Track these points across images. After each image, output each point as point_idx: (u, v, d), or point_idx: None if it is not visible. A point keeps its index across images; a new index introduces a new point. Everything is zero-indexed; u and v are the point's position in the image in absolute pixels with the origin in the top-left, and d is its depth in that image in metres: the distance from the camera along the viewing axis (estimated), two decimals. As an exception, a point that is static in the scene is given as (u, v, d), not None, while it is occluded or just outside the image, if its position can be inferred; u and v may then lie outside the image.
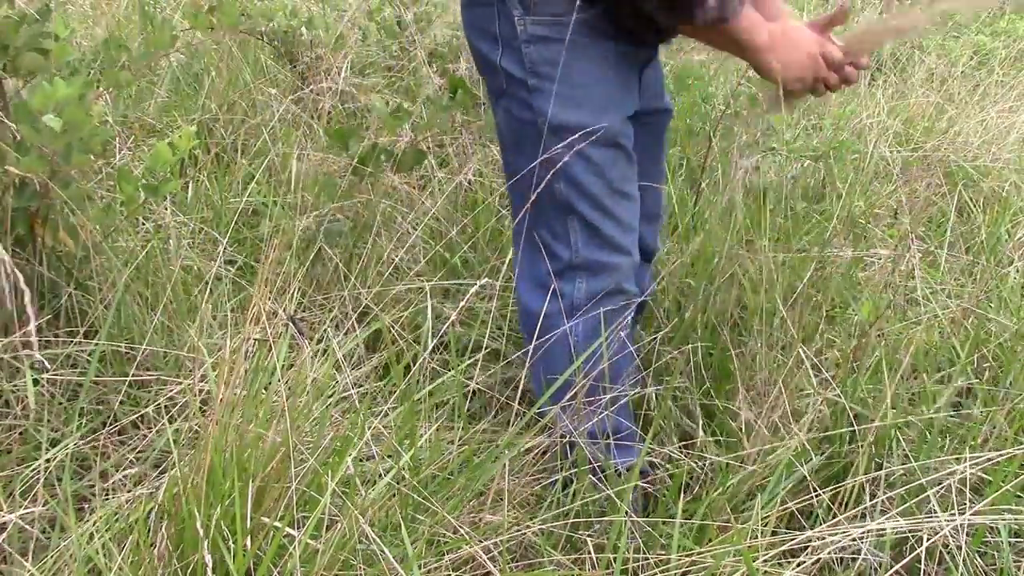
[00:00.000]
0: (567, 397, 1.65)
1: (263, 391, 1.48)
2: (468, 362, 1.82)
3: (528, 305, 1.76)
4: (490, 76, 1.72)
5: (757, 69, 1.70)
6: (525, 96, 1.65)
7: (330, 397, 1.62)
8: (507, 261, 2.06)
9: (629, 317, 1.78)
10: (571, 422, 1.66)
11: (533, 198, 1.67)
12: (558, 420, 1.67)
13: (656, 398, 1.94)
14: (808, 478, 1.68)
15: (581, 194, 1.69)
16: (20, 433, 1.64)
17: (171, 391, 1.66)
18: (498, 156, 2.72)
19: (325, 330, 1.74)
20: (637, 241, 1.79)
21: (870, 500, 1.63)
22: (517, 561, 1.65)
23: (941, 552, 1.65)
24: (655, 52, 1.81)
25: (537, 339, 1.70)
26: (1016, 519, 1.58)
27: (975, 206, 3.02)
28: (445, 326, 1.76)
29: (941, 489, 1.63)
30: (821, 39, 1.70)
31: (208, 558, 1.24)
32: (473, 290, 1.69)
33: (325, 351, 1.64)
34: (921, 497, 1.63)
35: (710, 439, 1.87)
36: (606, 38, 1.64)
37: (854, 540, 1.55)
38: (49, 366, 1.59)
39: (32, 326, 1.24)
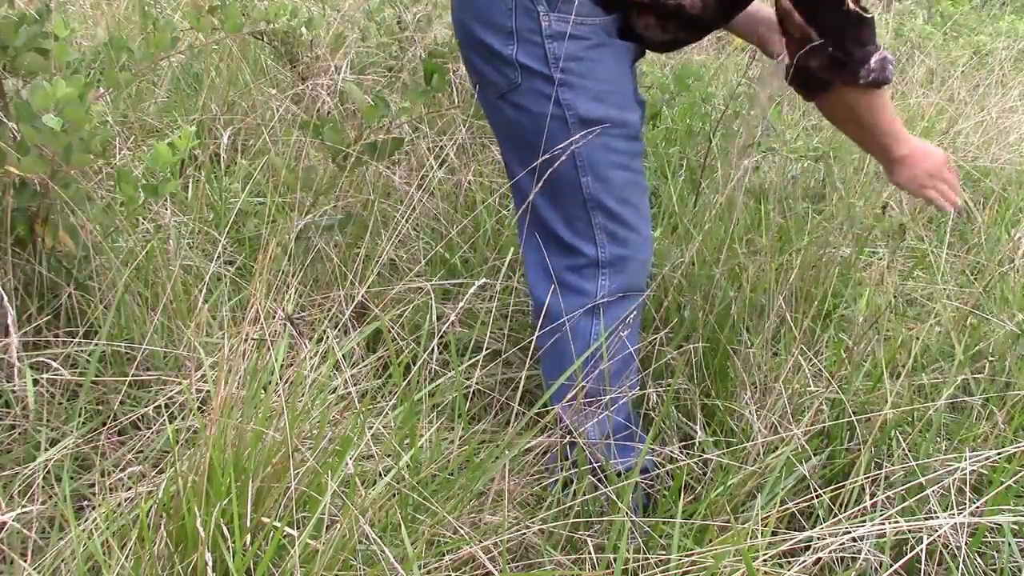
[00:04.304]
0: (583, 394, 1.65)
1: (262, 391, 1.48)
2: (468, 363, 1.81)
3: (546, 302, 1.73)
4: (494, 70, 1.69)
5: (888, 154, 1.86)
6: (548, 90, 1.65)
7: (330, 395, 1.62)
8: (507, 261, 2.06)
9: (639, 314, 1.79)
10: (584, 420, 1.66)
11: (537, 192, 1.67)
12: (572, 417, 1.67)
13: (657, 398, 1.94)
14: (808, 478, 1.68)
15: (609, 188, 1.69)
16: (20, 433, 1.64)
17: (171, 391, 1.66)
18: (498, 156, 2.72)
19: (324, 330, 1.74)
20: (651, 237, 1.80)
21: (870, 500, 1.63)
22: (517, 561, 1.65)
23: (941, 552, 1.65)
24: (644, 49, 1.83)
25: (556, 337, 1.70)
26: (1016, 519, 1.58)
27: (975, 206, 3.02)
28: (445, 326, 1.76)
29: (941, 488, 1.63)
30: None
31: (208, 557, 1.24)
32: (472, 290, 1.68)
33: (325, 351, 1.63)
34: (921, 496, 1.63)
35: (710, 439, 1.87)
36: (620, 36, 1.69)
37: (854, 540, 1.55)
38: (53, 363, 1.59)
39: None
